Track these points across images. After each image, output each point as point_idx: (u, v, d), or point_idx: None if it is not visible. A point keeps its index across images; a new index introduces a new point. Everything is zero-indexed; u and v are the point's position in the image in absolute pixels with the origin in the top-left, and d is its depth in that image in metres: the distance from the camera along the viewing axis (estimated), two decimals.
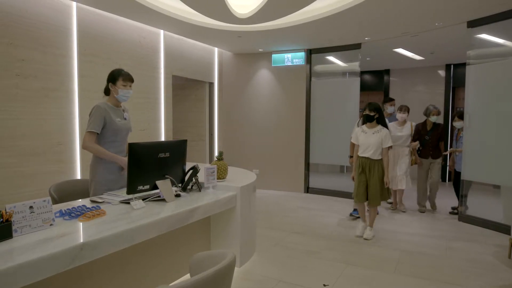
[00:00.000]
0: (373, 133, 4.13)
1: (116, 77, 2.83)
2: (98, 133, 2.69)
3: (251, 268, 3.28)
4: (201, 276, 1.33)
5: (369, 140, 4.13)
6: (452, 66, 8.14)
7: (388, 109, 5.61)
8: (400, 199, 5.53)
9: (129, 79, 2.86)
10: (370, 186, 4.12)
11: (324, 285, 3.00)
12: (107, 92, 2.89)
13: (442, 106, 8.20)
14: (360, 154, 4.21)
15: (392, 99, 5.71)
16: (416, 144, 5.25)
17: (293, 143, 6.93)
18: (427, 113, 5.32)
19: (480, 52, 4.83)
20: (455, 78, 8.12)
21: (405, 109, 5.36)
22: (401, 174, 5.30)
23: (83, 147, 2.70)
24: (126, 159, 2.61)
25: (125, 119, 2.92)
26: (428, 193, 5.51)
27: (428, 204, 5.58)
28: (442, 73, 8.28)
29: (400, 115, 5.35)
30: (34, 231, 1.76)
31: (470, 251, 3.84)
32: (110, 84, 2.86)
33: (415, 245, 3.98)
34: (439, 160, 5.36)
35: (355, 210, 5.10)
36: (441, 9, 4.44)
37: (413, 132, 5.35)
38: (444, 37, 5.74)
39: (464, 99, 5.09)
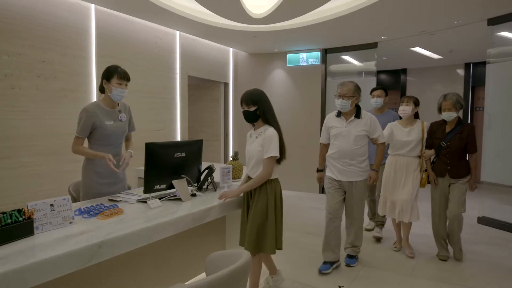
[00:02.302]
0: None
1: (111, 74, 2.63)
2: (84, 138, 2.60)
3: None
4: (216, 275, 1.34)
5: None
6: (471, 65, 7.96)
7: (372, 102, 4.24)
8: (407, 237, 3.78)
9: (125, 77, 2.65)
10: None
11: (339, 286, 2.98)
12: (102, 89, 2.69)
13: None
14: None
15: (379, 88, 4.26)
16: (431, 153, 3.51)
17: (309, 143, 6.89)
18: (438, 106, 3.55)
19: (501, 50, 4.72)
20: (475, 77, 7.94)
21: (408, 100, 3.65)
22: (406, 199, 3.56)
23: (72, 151, 2.62)
24: (109, 154, 2.53)
25: (121, 120, 2.73)
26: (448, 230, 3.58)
27: (450, 249, 3.64)
28: (461, 72, 8.11)
29: (402, 108, 3.66)
30: (55, 229, 1.80)
31: (490, 255, 3.75)
32: (104, 81, 2.65)
33: (432, 247, 3.91)
34: (464, 181, 3.41)
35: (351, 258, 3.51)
36: (460, 7, 4.34)
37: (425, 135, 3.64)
38: (464, 35, 5.62)
39: (484, 98, 4.97)
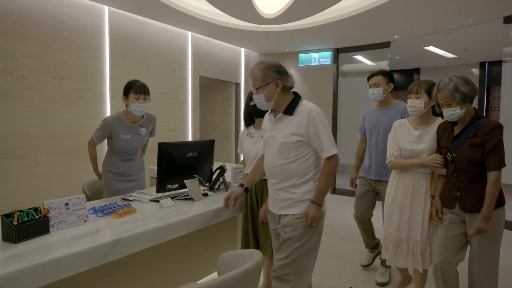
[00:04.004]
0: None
1: (128, 89, 2.69)
2: (99, 143, 2.83)
3: None
4: (228, 275, 1.34)
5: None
6: (486, 64, 7.81)
7: (370, 92, 3.06)
8: None
9: (141, 91, 2.67)
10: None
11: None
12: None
13: (476, 106, 7.89)
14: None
15: (375, 74, 3.05)
16: (442, 171, 2.28)
17: None
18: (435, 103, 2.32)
19: None
20: (490, 76, 7.79)
21: (417, 89, 2.47)
22: (417, 239, 2.43)
23: (87, 147, 2.88)
24: (99, 173, 2.91)
25: (140, 134, 2.82)
26: None
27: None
28: (476, 71, 7.97)
29: (410, 103, 2.48)
30: (70, 227, 1.83)
31: (510, 257, 3.67)
32: (123, 96, 2.74)
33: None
34: (487, 215, 2.03)
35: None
36: (475, 5, 4.27)
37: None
38: (479, 33, 5.52)
39: (500, 98, 4.88)
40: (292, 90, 2.08)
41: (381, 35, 5.74)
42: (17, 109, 3.57)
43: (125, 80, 4.57)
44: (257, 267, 1.47)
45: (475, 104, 7.94)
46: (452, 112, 2.09)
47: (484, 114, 7.74)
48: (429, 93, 2.40)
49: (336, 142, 7.12)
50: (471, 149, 2.08)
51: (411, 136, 2.47)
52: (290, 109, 1.98)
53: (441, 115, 2.36)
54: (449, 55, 7.25)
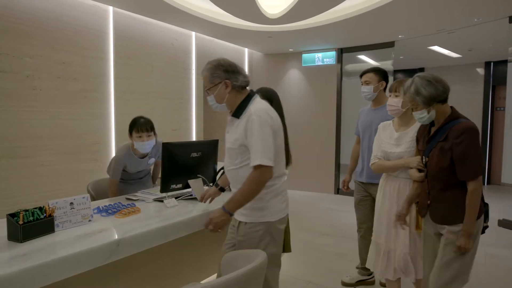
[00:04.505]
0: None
1: (131, 127, 2.68)
2: (117, 179, 2.82)
3: (281, 268, 3.28)
4: (232, 275, 1.34)
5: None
6: (492, 63, 7.76)
7: (361, 90, 2.92)
8: None
9: (143, 129, 2.63)
10: None
11: None
12: None
13: (481, 106, 7.84)
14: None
15: (366, 72, 2.90)
16: (420, 176, 2.09)
17: (324, 143, 6.85)
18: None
19: None
20: (495, 76, 7.73)
21: (397, 87, 2.37)
22: (405, 250, 2.28)
23: (109, 188, 2.85)
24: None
25: (148, 163, 2.91)
26: None
27: None
28: (481, 71, 7.92)
29: (389, 102, 2.39)
30: (74, 226, 1.84)
31: (511, 258, 3.65)
32: (128, 134, 2.72)
33: None
34: (456, 229, 1.86)
35: None
36: (480, 4, 4.24)
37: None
38: (484, 33, 5.48)
39: (506, 98, 4.84)
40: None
41: (385, 34, 5.72)
42: (21, 109, 3.59)
43: (129, 80, 4.65)
44: (261, 268, 1.47)
45: (479, 104, 7.95)
46: (420, 116, 1.92)
47: (489, 115, 7.76)
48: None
49: (339, 142, 7.02)
50: (440, 154, 1.89)
51: (392, 139, 2.34)
52: (237, 112, 1.84)
53: None
54: (454, 55, 7.21)
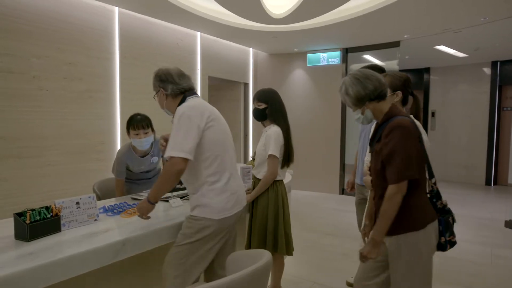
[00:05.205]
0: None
1: (128, 125, 2.67)
2: (122, 178, 2.83)
3: (285, 269, 3.27)
4: (237, 275, 1.35)
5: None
6: (498, 63, 7.69)
7: None
8: None
9: (139, 126, 2.63)
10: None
11: None
12: None
13: (487, 106, 7.78)
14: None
15: (365, 68, 2.45)
16: (368, 181, 1.99)
17: (329, 144, 6.83)
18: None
19: None
20: (502, 75, 7.67)
21: None
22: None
23: (115, 187, 2.87)
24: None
25: (152, 162, 2.87)
26: None
27: None
28: (487, 70, 7.86)
29: None
30: (80, 226, 1.86)
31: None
32: (126, 132, 2.71)
33: (456, 251, 3.80)
34: (395, 241, 1.69)
35: None
36: (486, 3, 4.21)
37: None
38: (490, 32, 5.44)
39: None
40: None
41: (391, 34, 5.69)
42: (28, 109, 3.62)
43: (135, 80, 4.66)
44: (266, 267, 1.47)
45: (485, 104, 7.90)
46: (356, 117, 1.81)
47: (496, 115, 7.70)
48: (393, 86, 2.10)
49: (344, 142, 7.00)
50: (375, 156, 1.75)
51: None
52: (174, 116, 1.93)
53: (417, 113, 2.12)
54: (460, 54, 7.16)
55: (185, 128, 1.79)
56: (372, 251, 1.66)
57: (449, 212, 1.77)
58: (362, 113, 1.77)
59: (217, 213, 1.85)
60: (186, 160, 1.75)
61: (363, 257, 1.69)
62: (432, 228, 1.70)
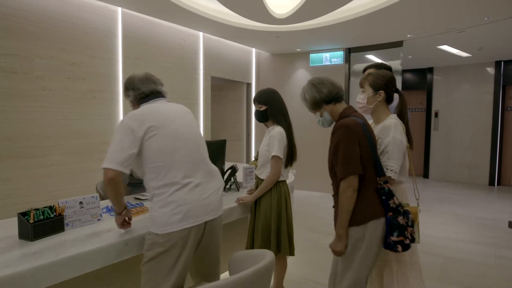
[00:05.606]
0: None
1: None
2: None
3: (288, 269, 3.27)
4: (240, 275, 1.35)
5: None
6: (502, 63, 7.66)
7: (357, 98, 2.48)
8: None
9: None
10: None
11: None
12: None
13: (491, 106, 7.74)
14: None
15: (367, 68, 2.80)
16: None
17: None
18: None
19: None
20: (506, 75, 7.64)
21: (362, 82, 2.14)
22: (386, 258, 2.17)
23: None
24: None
25: None
26: None
27: None
28: (491, 70, 7.82)
29: (358, 98, 2.15)
30: (83, 225, 1.86)
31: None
32: None
33: (460, 251, 3.79)
34: (338, 233, 1.84)
35: None
36: (490, 3, 4.19)
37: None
38: (494, 32, 5.42)
39: None
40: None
41: (394, 34, 5.68)
42: (31, 109, 3.63)
43: None
44: (269, 267, 1.47)
45: (489, 104, 7.86)
46: (316, 119, 1.97)
47: (500, 115, 7.66)
48: (373, 86, 2.04)
49: None
50: (328, 155, 1.87)
51: None
52: None
53: (401, 111, 2.09)
54: (464, 54, 7.13)
55: (119, 138, 1.68)
56: (337, 244, 1.79)
57: (402, 213, 1.77)
58: (321, 115, 1.93)
59: (162, 227, 1.65)
60: (113, 171, 1.62)
61: (333, 252, 1.82)
62: (376, 225, 1.76)
